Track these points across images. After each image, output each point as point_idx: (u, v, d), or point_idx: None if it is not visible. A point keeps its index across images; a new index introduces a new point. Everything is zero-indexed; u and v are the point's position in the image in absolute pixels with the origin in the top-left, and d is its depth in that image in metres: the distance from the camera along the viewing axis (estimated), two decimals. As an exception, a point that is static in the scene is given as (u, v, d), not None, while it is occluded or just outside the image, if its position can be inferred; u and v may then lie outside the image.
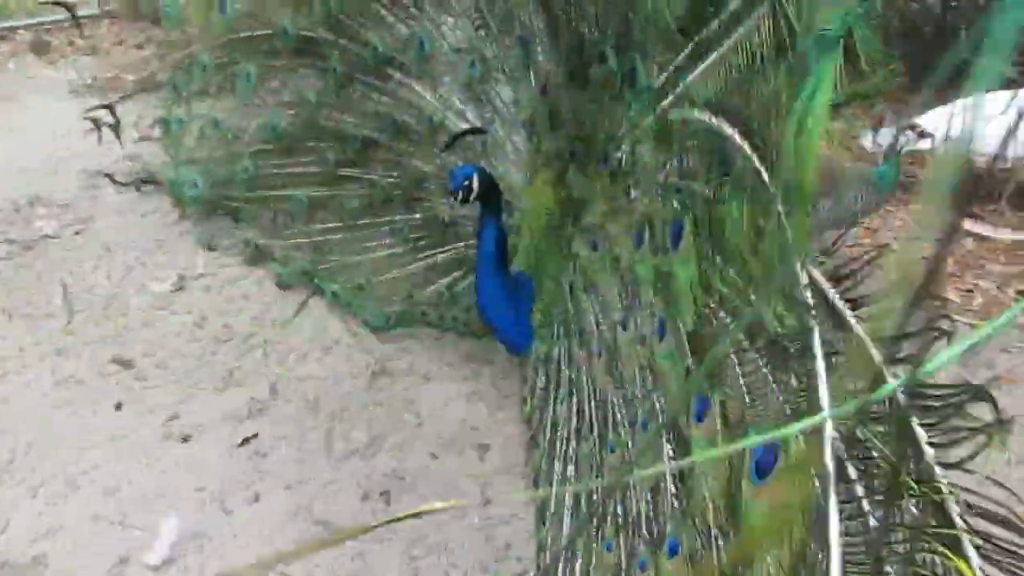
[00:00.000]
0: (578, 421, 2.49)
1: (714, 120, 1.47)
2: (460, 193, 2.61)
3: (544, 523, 2.39)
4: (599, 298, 2.39)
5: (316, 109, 3.79)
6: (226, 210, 4.37)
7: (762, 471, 1.24)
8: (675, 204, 1.56)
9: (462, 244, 3.43)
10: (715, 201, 1.40)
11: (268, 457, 3.23)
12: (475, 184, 2.61)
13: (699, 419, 1.41)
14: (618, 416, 2.19)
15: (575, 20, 2.34)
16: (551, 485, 2.48)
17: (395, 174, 3.64)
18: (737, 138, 1.38)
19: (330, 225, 4.01)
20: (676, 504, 1.62)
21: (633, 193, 2.06)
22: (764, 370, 1.33)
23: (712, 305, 1.45)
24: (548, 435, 2.66)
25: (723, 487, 1.35)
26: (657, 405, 1.85)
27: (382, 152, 3.67)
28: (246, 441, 3.27)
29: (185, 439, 3.29)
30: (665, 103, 1.78)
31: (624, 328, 2.11)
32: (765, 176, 1.26)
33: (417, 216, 3.60)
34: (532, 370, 2.86)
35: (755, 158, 1.30)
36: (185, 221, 4.76)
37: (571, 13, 2.33)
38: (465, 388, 3.67)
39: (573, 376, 2.58)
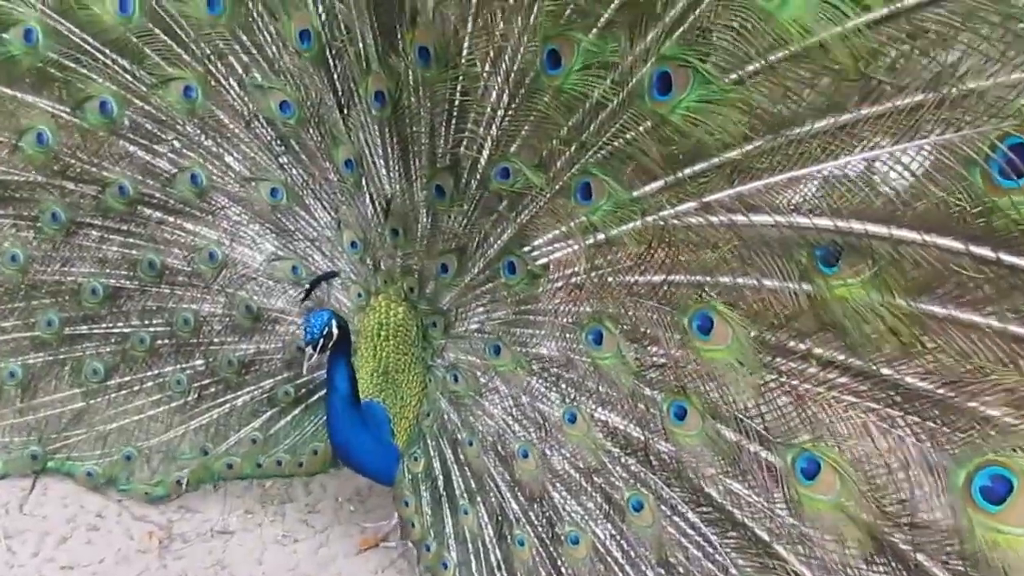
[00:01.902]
0: (497, 524, 2.71)
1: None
2: (320, 343, 2.57)
3: None
4: (509, 399, 2.65)
5: (25, 265, 3.28)
6: None
7: None
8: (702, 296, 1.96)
9: (268, 382, 3.32)
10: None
11: None
12: (334, 330, 2.62)
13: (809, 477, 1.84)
14: (569, 508, 2.50)
15: (445, 138, 2.54)
16: None
17: (158, 322, 3.34)
18: None
19: (63, 395, 3.48)
20: None
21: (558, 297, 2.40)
22: None
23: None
24: (456, 552, 2.82)
25: None
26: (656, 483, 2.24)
27: (137, 300, 3.34)
28: None
29: None
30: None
31: (572, 421, 2.43)
32: None
33: (198, 363, 3.36)
34: (410, 491, 2.97)
35: None
36: None
37: (442, 132, 2.53)
38: (274, 531, 3.53)
39: (474, 484, 2.79)
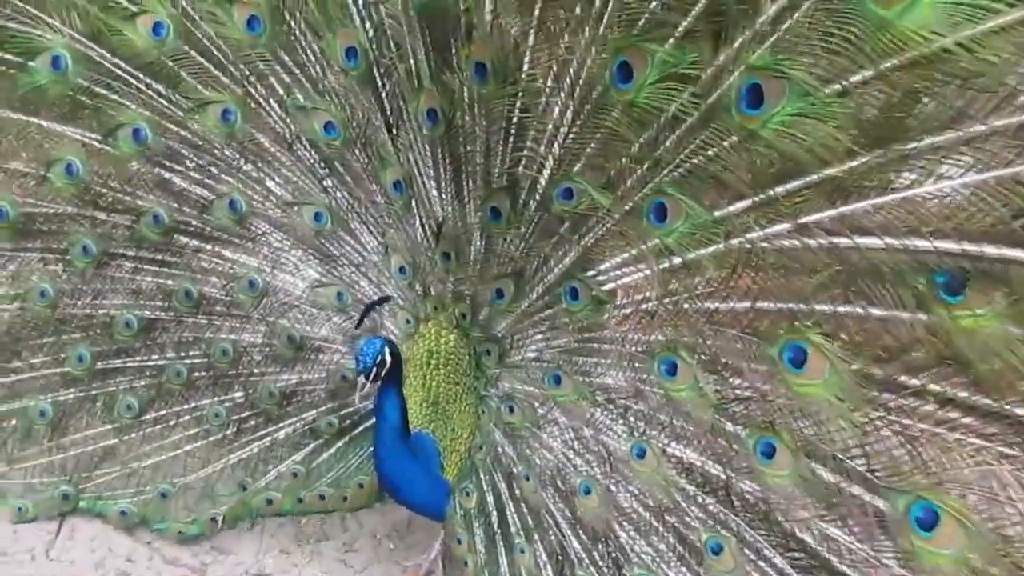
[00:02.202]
0: (557, 564, 2.55)
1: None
2: (373, 372, 2.43)
3: None
4: (570, 431, 2.50)
5: (55, 299, 3.18)
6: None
7: None
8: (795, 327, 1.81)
9: (310, 413, 3.20)
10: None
11: None
12: (387, 358, 2.47)
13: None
14: (638, 548, 2.34)
15: (501, 157, 2.41)
16: None
17: (195, 353, 3.23)
18: None
19: (95, 431, 3.37)
20: None
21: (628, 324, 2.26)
22: None
23: None
24: None
25: None
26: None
27: (172, 332, 3.23)
28: None
29: None
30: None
31: (641, 456, 2.28)
32: None
33: (238, 395, 3.24)
34: (463, 528, 2.82)
35: None
36: None
37: (498, 151, 2.41)
38: (311, 572, 3.40)
39: (531, 521, 2.64)
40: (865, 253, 1.64)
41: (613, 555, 2.43)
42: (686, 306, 2.08)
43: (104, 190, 3.06)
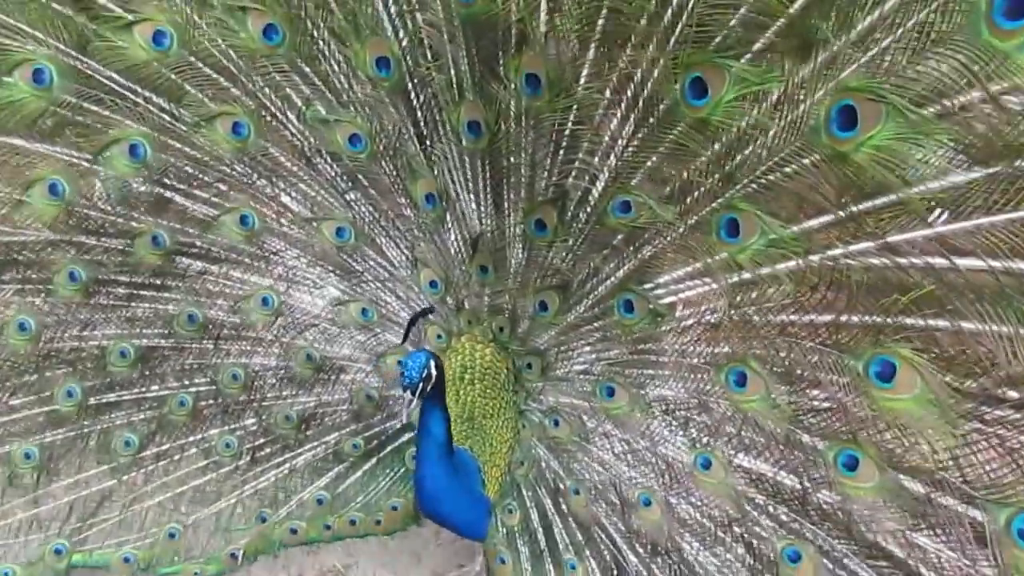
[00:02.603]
0: None
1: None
2: (419, 387, 2.32)
3: None
4: (624, 443, 2.50)
5: (36, 334, 2.97)
6: None
7: None
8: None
9: (332, 436, 3.11)
10: None
11: None
12: (432, 372, 2.37)
13: None
14: (702, 560, 2.35)
15: (549, 170, 2.35)
16: None
17: (200, 380, 3.09)
18: None
19: (89, 474, 3.20)
20: None
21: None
22: None
23: None
24: None
25: None
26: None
27: (174, 360, 3.08)
28: None
29: None
30: None
31: (706, 467, 2.28)
32: None
33: (250, 422, 3.12)
34: (506, 547, 2.80)
35: None
36: None
37: (546, 164, 2.34)
38: None
39: (581, 537, 2.63)
40: (965, 275, 1.64)
41: (675, 567, 2.42)
42: (756, 318, 2.08)
43: (93, 212, 2.87)
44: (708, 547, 2.37)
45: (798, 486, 2.13)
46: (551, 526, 2.73)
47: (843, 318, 1.89)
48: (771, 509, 2.22)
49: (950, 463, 1.81)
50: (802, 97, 1.77)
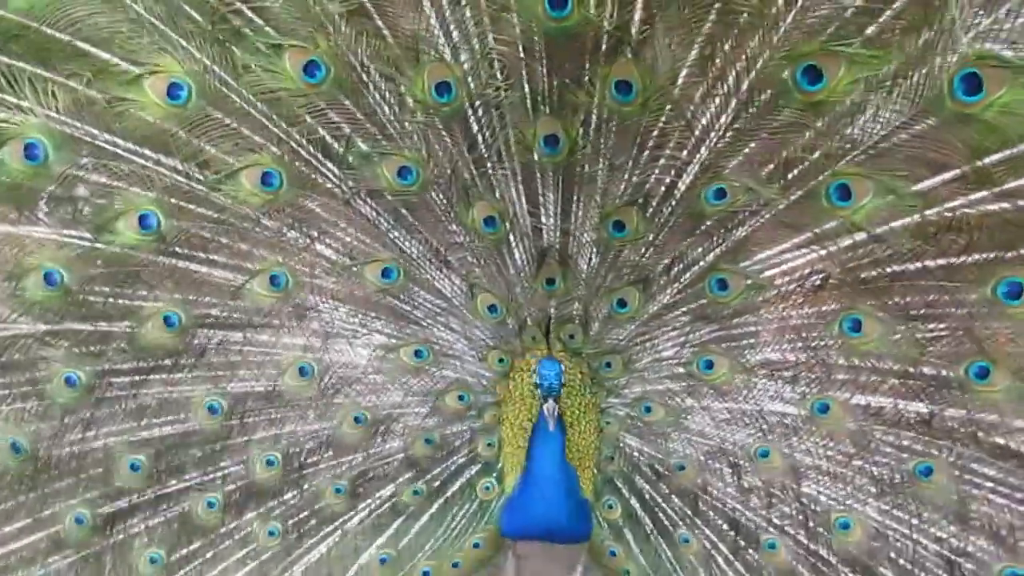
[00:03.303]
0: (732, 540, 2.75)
1: None
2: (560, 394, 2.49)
3: None
4: (725, 411, 2.69)
5: (31, 450, 2.65)
6: None
7: None
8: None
9: (387, 489, 2.99)
10: None
11: None
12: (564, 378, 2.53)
13: None
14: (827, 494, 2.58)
15: (630, 171, 2.41)
16: None
17: (226, 463, 2.88)
18: None
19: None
20: None
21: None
22: None
23: None
24: None
25: None
26: None
27: (195, 448, 2.82)
28: None
29: None
30: None
31: (824, 411, 2.53)
32: None
33: (289, 496, 2.92)
34: (613, 540, 2.94)
35: None
36: None
37: (627, 166, 2.41)
38: None
39: (689, 509, 2.82)
40: None
41: (797, 510, 2.63)
42: (864, 275, 2.30)
43: (93, 297, 2.55)
44: (834, 482, 2.57)
45: (924, 410, 2.37)
46: (655, 508, 2.85)
47: (961, 259, 2.15)
48: (893, 438, 2.45)
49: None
50: (918, 70, 1.98)
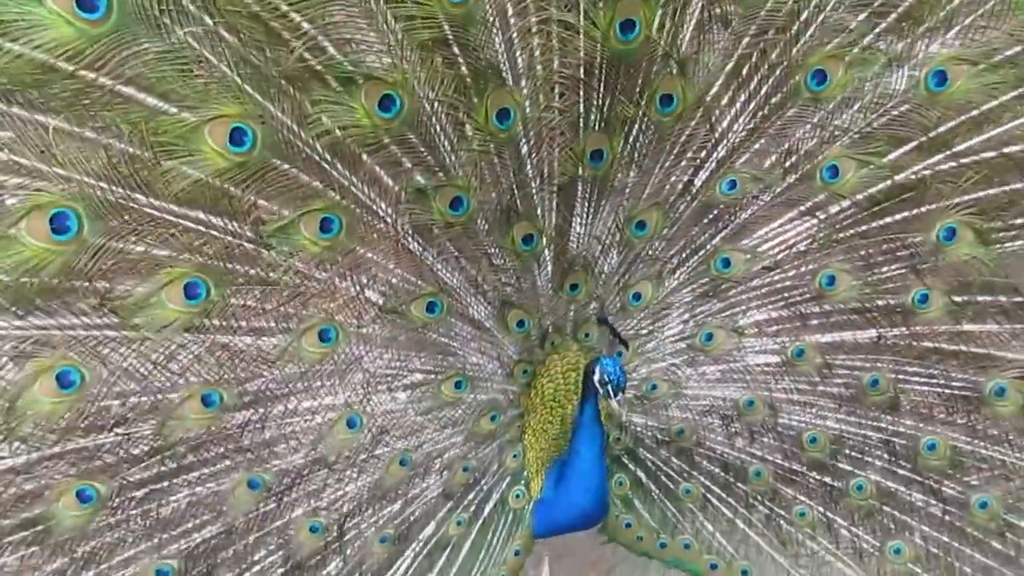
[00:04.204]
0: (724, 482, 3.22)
1: None
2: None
3: None
4: (718, 372, 3.11)
5: None
6: None
7: None
8: None
9: (428, 528, 2.96)
10: None
11: None
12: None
13: None
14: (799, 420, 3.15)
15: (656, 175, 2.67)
16: None
17: (266, 551, 2.65)
18: None
19: None
20: None
21: None
22: None
23: None
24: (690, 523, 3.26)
25: None
26: None
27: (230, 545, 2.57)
28: None
29: None
30: None
31: (800, 355, 3.02)
32: None
33: (333, 568, 2.78)
34: (626, 512, 3.27)
35: None
36: None
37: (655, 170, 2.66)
38: None
39: (686, 464, 3.22)
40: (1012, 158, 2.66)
41: (776, 436, 3.13)
42: (840, 236, 2.87)
43: (113, 401, 2.18)
44: (800, 411, 3.09)
45: (873, 334, 2.97)
46: (657, 472, 3.19)
47: (914, 211, 2.81)
48: (848, 361, 3.03)
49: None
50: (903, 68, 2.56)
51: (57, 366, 2.02)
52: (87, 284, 2.00)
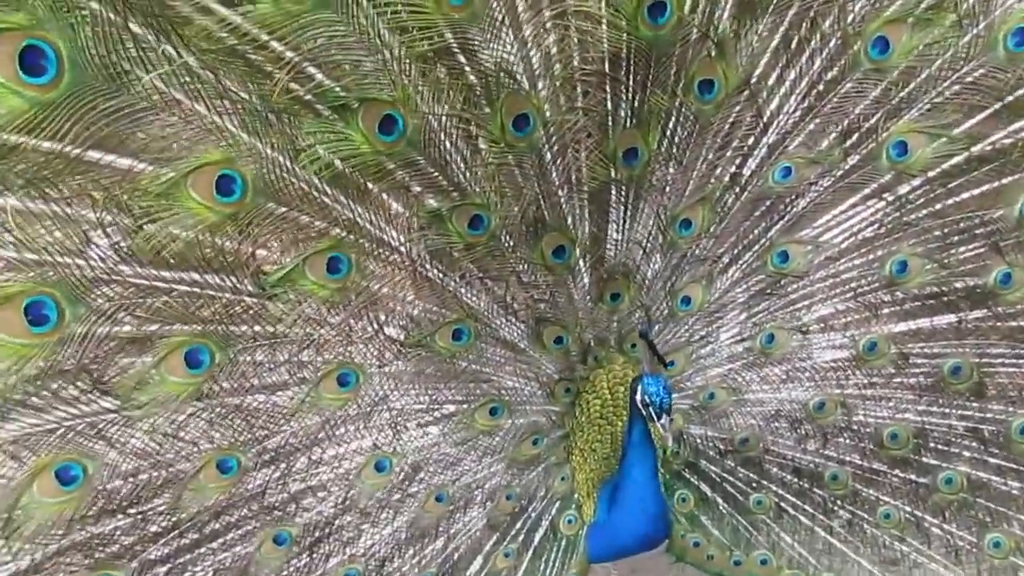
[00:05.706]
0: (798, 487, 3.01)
1: None
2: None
3: None
4: (784, 373, 2.88)
5: None
6: None
7: None
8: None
9: (475, 564, 2.81)
10: None
11: None
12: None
13: None
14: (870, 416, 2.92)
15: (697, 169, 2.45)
16: None
17: None
18: None
19: None
20: None
21: None
22: None
23: None
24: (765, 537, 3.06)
25: None
26: None
27: None
28: None
29: None
30: None
31: (872, 349, 2.78)
32: None
33: None
34: (693, 530, 3.05)
35: None
36: None
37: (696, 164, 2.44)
38: None
39: (754, 474, 3.01)
40: None
41: (852, 435, 2.92)
42: (909, 217, 2.60)
43: (118, 482, 2.03)
44: (876, 406, 2.87)
45: (953, 319, 2.72)
46: (723, 484, 2.99)
47: (995, 184, 2.52)
48: (926, 348, 2.78)
49: None
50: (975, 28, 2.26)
51: (54, 463, 1.88)
52: (76, 370, 1.83)
